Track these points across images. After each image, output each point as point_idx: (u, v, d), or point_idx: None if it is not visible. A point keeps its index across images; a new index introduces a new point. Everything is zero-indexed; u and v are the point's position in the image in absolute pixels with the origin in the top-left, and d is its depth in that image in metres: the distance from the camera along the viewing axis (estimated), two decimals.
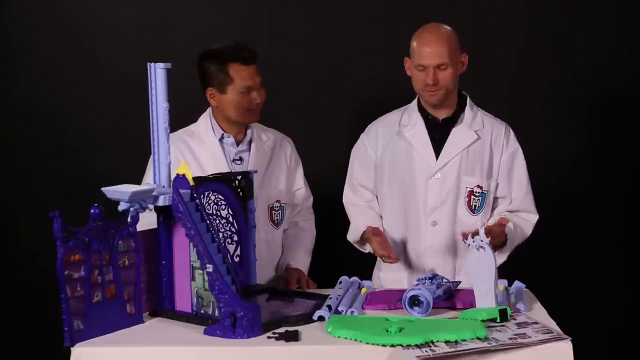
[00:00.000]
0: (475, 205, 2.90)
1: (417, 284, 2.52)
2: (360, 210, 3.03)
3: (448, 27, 2.88)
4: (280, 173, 3.10)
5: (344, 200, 3.09)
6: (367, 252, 3.01)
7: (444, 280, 2.61)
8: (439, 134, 2.93)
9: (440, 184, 2.90)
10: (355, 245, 3.01)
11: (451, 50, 2.82)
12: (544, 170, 3.55)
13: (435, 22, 2.91)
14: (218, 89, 2.92)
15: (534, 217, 2.95)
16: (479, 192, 2.90)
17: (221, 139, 3.00)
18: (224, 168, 2.93)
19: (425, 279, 2.59)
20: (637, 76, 3.82)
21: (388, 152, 2.98)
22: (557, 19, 3.81)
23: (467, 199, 2.89)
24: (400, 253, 2.96)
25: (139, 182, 2.90)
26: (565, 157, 3.85)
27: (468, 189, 2.90)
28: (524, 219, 2.93)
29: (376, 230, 2.88)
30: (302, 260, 3.11)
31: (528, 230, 2.93)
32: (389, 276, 2.99)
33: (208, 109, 3.05)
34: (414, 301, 2.42)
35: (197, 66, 2.96)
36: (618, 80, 3.83)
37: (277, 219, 3.07)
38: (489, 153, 2.92)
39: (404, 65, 2.92)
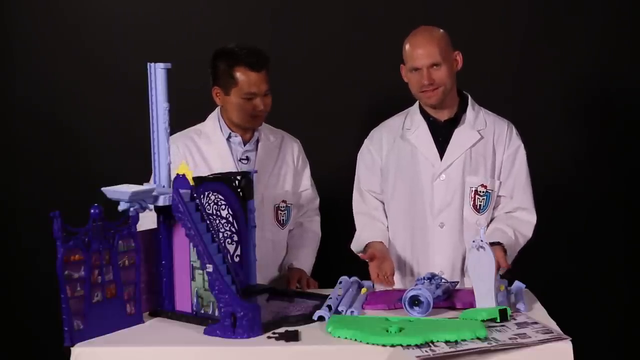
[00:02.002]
0: (480, 205, 2.90)
1: (417, 284, 2.52)
2: (367, 221, 3.01)
3: (438, 29, 2.89)
4: (286, 173, 3.10)
5: (354, 210, 3.07)
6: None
7: (443, 280, 2.61)
8: (442, 135, 2.93)
9: (445, 185, 2.90)
10: (359, 255, 3.00)
11: (443, 49, 2.83)
12: (545, 170, 3.55)
13: (430, 25, 2.91)
14: (223, 89, 2.93)
15: (533, 218, 2.93)
16: (483, 192, 2.90)
17: (228, 138, 3.00)
18: (230, 167, 2.93)
19: (424, 279, 2.59)
20: (638, 76, 3.82)
21: (393, 155, 2.98)
22: (557, 19, 3.81)
23: (471, 199, 2.89)
24: (408, 256, 2.97)
25: (139, 182, 2.89)
26: (566, 158, 3.85)
27: (472, 189, 2.89)
28: (523, 220, 2.91)
29: (377, 253, 2.83)
30: (304, 261, 3.11)
31: (528, 232, 2.92)
32: (396, 280, 2.98)
33: (217, 108, 3.05)
34: (414, 301, 2.42)
35: (210, 62, 2.96)
36: (619, 80, 3.82)
37: (282, 219, 3.08)
38: (492, 152, 2.92)
39: (400, 72, 2.92)
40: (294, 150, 3.15)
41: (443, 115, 2.94)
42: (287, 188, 3.09)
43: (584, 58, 3.81)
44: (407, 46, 2.88)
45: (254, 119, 2.94)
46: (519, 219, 2.91)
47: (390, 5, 3.82)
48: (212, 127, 3.02)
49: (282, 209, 3.07)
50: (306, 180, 3.19)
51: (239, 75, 2.88)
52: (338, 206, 3.18)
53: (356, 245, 3.00)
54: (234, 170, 2.92)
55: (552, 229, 3.71)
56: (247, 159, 3.02)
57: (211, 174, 2.65)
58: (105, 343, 2.27)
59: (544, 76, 3.82)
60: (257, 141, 3.04)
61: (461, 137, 2.91)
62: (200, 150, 3.01)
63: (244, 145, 3.02)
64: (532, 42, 3.81)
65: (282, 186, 3.08)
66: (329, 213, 3.33)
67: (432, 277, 2.60)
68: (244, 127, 2.99)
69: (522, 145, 2.95)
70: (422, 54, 2.82)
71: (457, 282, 2.76)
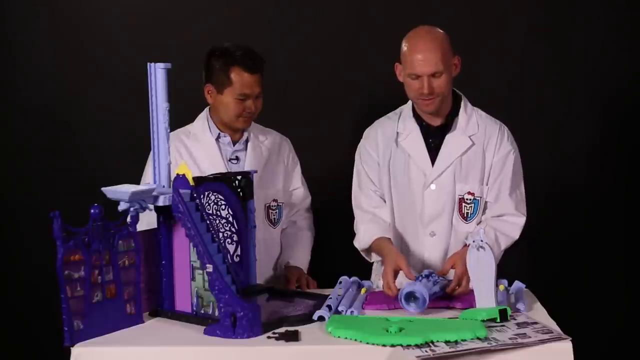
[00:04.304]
0: (467, 213, 2.85)
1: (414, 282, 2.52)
2: (370, 217, 2.95)
3: (439, 30, 2.79)
4: (277, 172, 3.10)
5: (354, 203, 3.01)
6: (372, 261, 2.98)
7: (440, 278, 2.61)
8: (434, 140, 2.87)
9: (436, 195, 2.85)
10: (362, 254, 2.98)
11: (444, 56, 2.74)
12: (544, 170, 3.55)
13: (427, 24, 2.83)
14: (216, 87, 2.93)
15: (520, 220, 2.87)
16: (470, 199, 2.85)
17: (218, 139, 3.01)
18: (220, 167, 2.94)
19: (422, 276, 2.59)
20: (638, 76, 3.82)
21: (387, 159, 2.92)
22: (557, 19, 3.81)
23: (458, 207, 2.86)
24: None
25: (139, 182, 2.90)
26: (565, 157, 3.85)
27: (459, 197, 2.85)
28: (508, 222, 2.86)
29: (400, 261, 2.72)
30: (301, 259, 3.11)
31: (514, 233, 2.85)
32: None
33: (206, 108, 3.05)
34: (410, 297, 2.43)
35: (204, 60, 2.96)
36: (618, 80, 3.82)
37: (274, 218, 3.08)
38: (482, 157, 2.86)
39: (395, 70, 2.85)
40: (284, 149, 3.15)
41: (436, 121, 2.87)
42: (278, 187, 3.10)
43: (584, 58, 3.81)
44: (405, 48, 2.78)
45: (243, 120, 2.95)
46: (504, 221, 2.86)
47: (386, 4, 3.81)
48: (201, 128, 3.02)
49: (274, 208, 3.07)
50: (297, 179, 3.19)
51: (235, 75, 2.88)
52: (336, 206, 3.18)
53: (362, 243, 2.92)
54: (224, 170, 2.92)
55: (551, 229, 3.72)
56: (237, 158, 3.02)
57: (211, 174, 2.65)
58: (105, 343, 2.27)
59: (543, 76, 3.81)
60: (247, 141, 3.04)
61: (452, 144, 2.85)
62: (189, 150, 3.01)
63: (234, 145, 3.02)
64: (531, 42, 3.80)
65: (272, 185, 3.08)
66: (328, 213, 3.33)
67: (429, 275, 2.60)
68: (233, 127, 2.99)
69: (514, 150, 2.88)
70: (423, 62, 2.72)
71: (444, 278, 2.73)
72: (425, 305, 2.41)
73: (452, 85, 2.85)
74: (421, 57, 2.73)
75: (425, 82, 2.73)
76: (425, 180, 2.86)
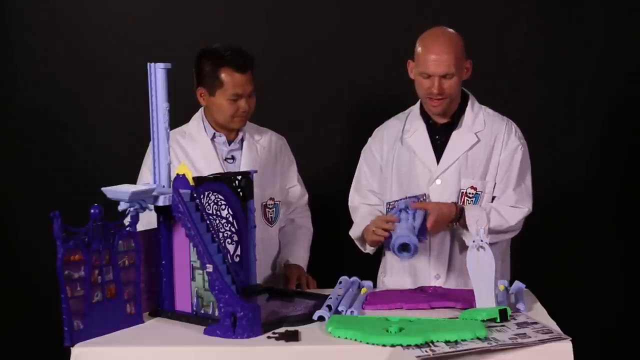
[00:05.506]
0: None
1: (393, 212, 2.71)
2: (367, 210, 2.99)
3: (454, 33, 2.83)
4: (273, 171, 3.10)
5: (350, 204, 3.06)
6: (365, 252, 3.00)
7: (412, 199, 2.75)
8: (440, 137, 2.91)
9: (441, 190, 2.87)
10: (357, 243, 3.00)
11: (457, 59, 2.78)
12: (544, 170, 3.54)
13: (440, 25, 2.85)
14: (208, 90, 2.93)
15: (521, 210, 2.86)
16: (472, 194, 2.87)
17: (213, 138, 3.01)
18: (216, 167, 2.94)
19: (399, 210, 2.69)
20: (638, 76, 3.82)
21: (392, 157, 2.95)
22: (557, 19, 3.81)
23: (461, 201, 2.87)
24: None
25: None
26: (565, 157, 3.85)
27: (462, 191, 2.87)
28: (511, 207, 2.85)
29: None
30: (300, 257, 3.11)
31: (512, 218, 2.84)
32: (393, 282, 2.97)
33: (200, 109, 3.06)
34: (404, 247, 2.56)
35: (195, 63, 2.96)
36: (619, 80, 3.82)
37: (271, 217, 3.08)
38: (487, 154, 2.89)
39: (407, 67, 2.87)
40: (279, 147, 3.15)
41: (443, 119, 2.91)
42: (274, 186, 3.10)
43: (584, 58, 3.81)
44: (420, 48, 2.81)
45: (238, 120, 2.95)
46: (506, 205, 2.86)
47: (389, 4, 3.81)
48: (196, 128, 3.03)
49: (270, 206, 3.07)
50: (293, 177, 3.19)
51: (225, 76, 2.89)
52: (336, 205, 3.18)
53: (355, 230, 2.96)
54: (220, 170, 2.93)
55: (552, 229, 3.72)
56: (233, 158, 3.03)
57: (211, 174, 2.65)
58: (105, 343, 2.27)
59: (543, 76, 3.81)
60: (242, 140, 3.05)
61: (458, 140, 2.88)
62: (185, 151, 3.01)
63: (229, 145, 3.03)
64: (531, 42, 3.81)
65: (269, 184, 3.08)
66: (328, 212, 3.33)
67: (406, 208, 2.70)
68: (228, 127, 2.99)
69: (522, 145, 2.91)
70: (436, 63, 2.76)
71: (424, 193, 2.77)
72: (416, 252, 2.60)
73: (460, 87, 2.88)
74: (435, 57, 2.77)
75: (436, 83, 2.78)
76: (430, 177, 2.89)
